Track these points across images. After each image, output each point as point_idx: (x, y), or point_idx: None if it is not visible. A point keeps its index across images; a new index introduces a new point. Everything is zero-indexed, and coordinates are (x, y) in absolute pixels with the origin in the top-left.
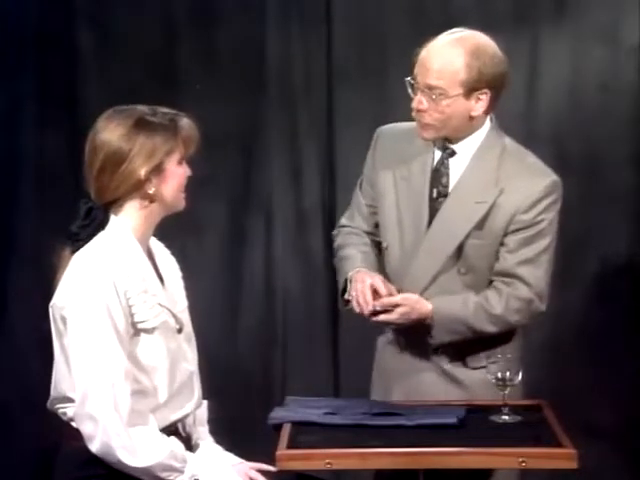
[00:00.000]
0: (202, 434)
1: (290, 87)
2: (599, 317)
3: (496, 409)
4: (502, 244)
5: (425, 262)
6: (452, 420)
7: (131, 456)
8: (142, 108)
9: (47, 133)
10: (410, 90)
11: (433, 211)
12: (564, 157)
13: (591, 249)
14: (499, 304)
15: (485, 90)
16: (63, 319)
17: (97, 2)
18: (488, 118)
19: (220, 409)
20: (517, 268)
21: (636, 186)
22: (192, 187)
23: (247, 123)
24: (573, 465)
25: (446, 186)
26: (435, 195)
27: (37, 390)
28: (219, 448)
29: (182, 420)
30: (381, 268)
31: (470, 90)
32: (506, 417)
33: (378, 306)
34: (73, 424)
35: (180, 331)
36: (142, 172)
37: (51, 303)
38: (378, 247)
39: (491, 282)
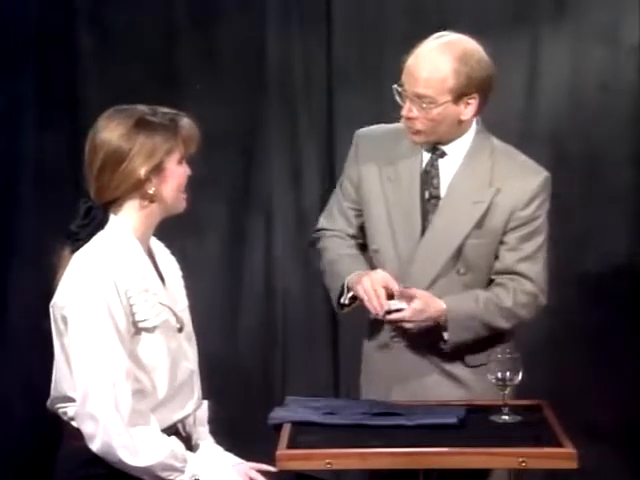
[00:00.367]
0: (202, 434)
1: (290, 87)
2: (599, 317)
3: (496, 409)
4: (501, 242)
5: (424, 264)
6: (452, 420)
7: (132, 456)
8: (142, 108)
9: (47, 133)
10: (398, 98)
11: (425, 213)
12: (564, 157)
13: (591, 249)
14: (508, 298)
15: (474, 95)
16: (64, 319)
17: (97, 2)
18: (474, 119)
19: (220, 409)
20: (518, 265)
21: (636, 186)
22: (192, 187)
23: (247, 123)
24: (573, 465)
25: (437, 187)
26: (427, 197)
27: (37, 390)
28: (219, 448)
29: (183, 420)
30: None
31: (459, 96)
32: (506, 417)
33: (391, 303)
34: (74, 424)
35: (181, 330)
36: (142, 171)
37: (51, 303)
38: (362, 250)
39: (491, 281)
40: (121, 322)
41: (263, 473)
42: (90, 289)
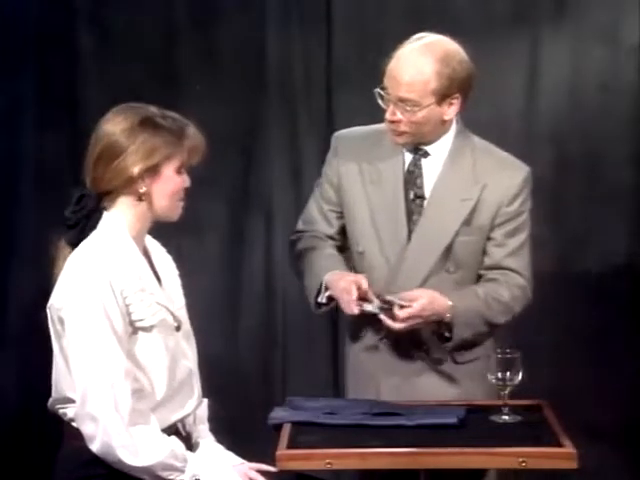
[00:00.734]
0: (202, 432)
1: (290, 87)
2: (599, 317)
3: (496, 409)
4: (489, 238)
5: (414, 265)
6: (452, 420)
7: (132, 455)
8: (153, 109)
9: (47, 133)
10: (381, 101)
11: (410, 213)
12: (564, 157)
13: (591, 249)
14: (505, 292)
15: (456, 95)
16: (61, 320)
17: (97, 2)
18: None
19: (220, 409)
20: (506, 260)
21: (636, 186)
22: (192, 187)
23: (247, 123)
24: (573, 465)
25: (421, 187)
26: (412, 197)
27: (37, 390)
28: (220, 447)
29: (183, 420)
30: (351, 272)
31: (442, 97)
32: (506, 417)
33: (365, 305)
34: (74, 424)
35: (178, 329)
36: (135, 170)
37: (48, 304)
38: (341, 251)
39: (480, 277)
40: (118, 322)
41: (263, 473)
42: (86, 290)
